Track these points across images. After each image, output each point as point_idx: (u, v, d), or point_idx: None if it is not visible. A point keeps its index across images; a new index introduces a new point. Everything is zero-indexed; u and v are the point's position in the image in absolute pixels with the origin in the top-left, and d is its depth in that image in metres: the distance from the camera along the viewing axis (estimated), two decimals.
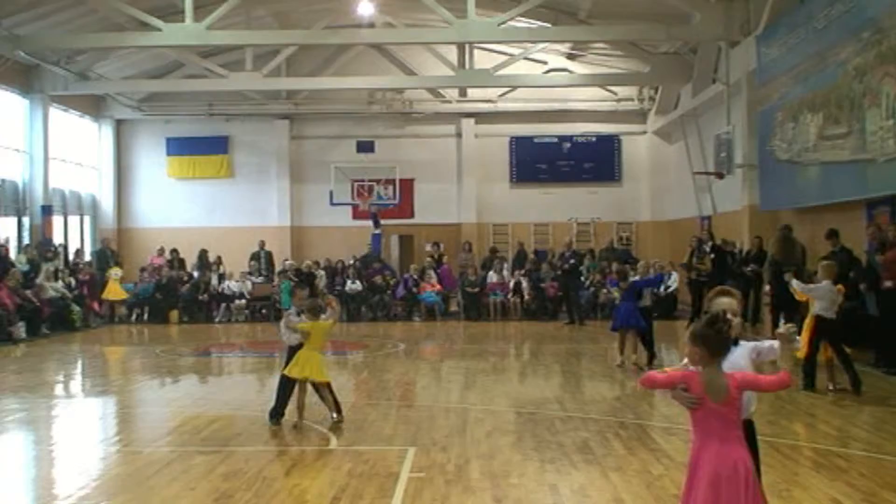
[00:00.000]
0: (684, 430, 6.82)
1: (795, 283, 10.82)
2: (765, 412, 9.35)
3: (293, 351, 9.07)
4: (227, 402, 10.78)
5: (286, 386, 9.08)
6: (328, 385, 9.18)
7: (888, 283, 11.88)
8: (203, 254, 24.51)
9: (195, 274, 23.53)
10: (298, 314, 9.18)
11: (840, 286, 10.59)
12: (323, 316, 9.01)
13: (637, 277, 13.34)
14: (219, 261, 23.89)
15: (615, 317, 13.33)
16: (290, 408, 9.11)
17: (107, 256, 23.80)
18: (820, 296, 10.37)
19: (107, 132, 26.54)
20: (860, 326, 13.10)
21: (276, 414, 9.14)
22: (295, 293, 9.77)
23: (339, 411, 9.15)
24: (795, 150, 15.81)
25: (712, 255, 18.59)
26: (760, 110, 17.51)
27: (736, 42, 18.60)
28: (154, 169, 26.82)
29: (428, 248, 25.11)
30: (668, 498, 6.30)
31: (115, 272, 22.42)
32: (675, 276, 21.71)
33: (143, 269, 23.44)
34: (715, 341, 4.28)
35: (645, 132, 26.70)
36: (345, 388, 10.44)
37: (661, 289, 21.64)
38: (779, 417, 9.32)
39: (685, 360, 4.51)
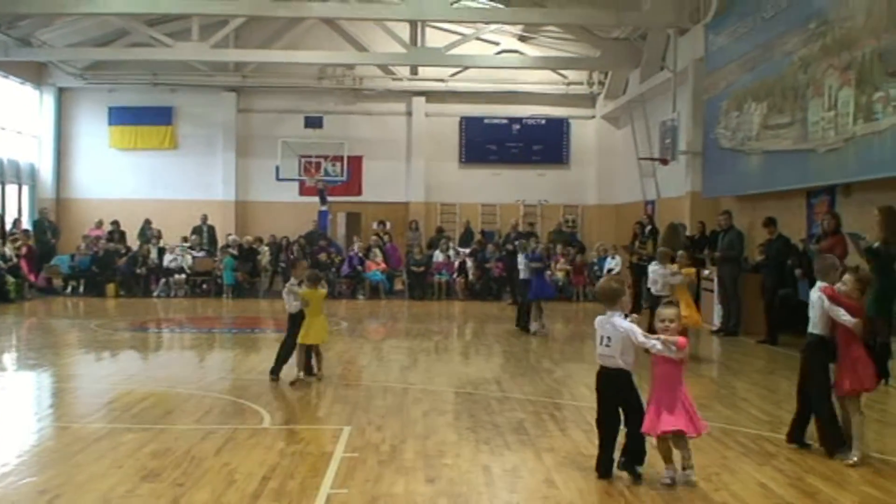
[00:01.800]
0: None
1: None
2: (699, 396, 9.46)
3: (293, 319, 10.15)
4: (161, 379, 10.59)
5: (291, 350, 10.22)
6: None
7: None
8: (147, 224, 24.02)
9: (134, 248, 23.09)
10: (299, 284, 10.28)
11: (688, 269, 12.94)
12: (320, 286, 10.25)
13: (528, 253, 15.28)
14: (159, 234, 23.46)
15: (530, 290, 15.23)
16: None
17: (44, 227, 23.25)
18: (652, 280, 12.91)
19: (48, 100, 25.86)
20: (794, 312, 13.35)
21: (276, 371, 10.21)
22: (296, 265, 11.26)
23: (319, 369, 10.31)
24: (739, 139, 16.00)
25: (653, 240, 18.81)
26: (706, 98, 17.67)
27: (685, 29, 18.73)
28: (96, 138, 26.21)
29: (374, 226, 24.96)
30: (599, 480, 6.34)
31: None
32: (618, 259, 22.00)
33: (85, 238, 22.94)
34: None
35: (594, 116, 26.80)
36: (285, 367, 10.32)
37: (605, 270, 21.94)
38: (712, 402, 9.47)
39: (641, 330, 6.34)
